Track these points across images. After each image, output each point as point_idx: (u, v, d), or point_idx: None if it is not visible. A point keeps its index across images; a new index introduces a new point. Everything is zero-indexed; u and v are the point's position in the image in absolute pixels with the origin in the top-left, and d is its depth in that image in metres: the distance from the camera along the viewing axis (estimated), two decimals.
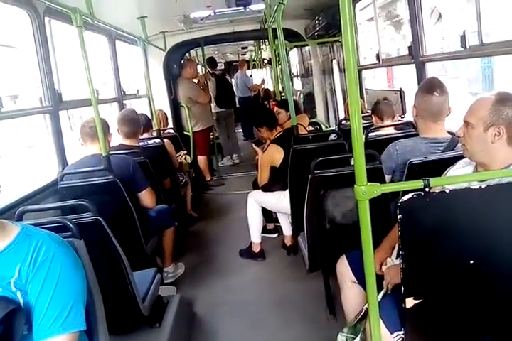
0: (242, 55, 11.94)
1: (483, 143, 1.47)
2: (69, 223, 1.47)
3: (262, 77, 11.05)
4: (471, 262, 1.25)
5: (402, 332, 1.40)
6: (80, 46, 2.45)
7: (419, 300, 1.29)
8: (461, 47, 2.36)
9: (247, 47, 10.15)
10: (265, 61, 11.57)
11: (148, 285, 2.12)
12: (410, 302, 1.29)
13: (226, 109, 7.00)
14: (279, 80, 6.08)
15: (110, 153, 2.58)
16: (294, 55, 8.20)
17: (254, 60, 11.06)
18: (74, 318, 1.16)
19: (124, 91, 4.41)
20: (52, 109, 2.82)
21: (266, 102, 7.93)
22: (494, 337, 1.32)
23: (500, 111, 1.42)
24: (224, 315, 2.66)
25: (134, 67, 5.17)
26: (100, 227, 1.76)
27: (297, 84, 8.35)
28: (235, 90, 8.54)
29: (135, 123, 3.31)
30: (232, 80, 9.49)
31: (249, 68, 12.33)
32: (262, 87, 10.09)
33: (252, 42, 8.64)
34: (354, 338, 1.61)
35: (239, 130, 8.89)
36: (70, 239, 1.40)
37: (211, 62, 6.86)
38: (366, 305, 1.44)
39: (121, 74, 4.38)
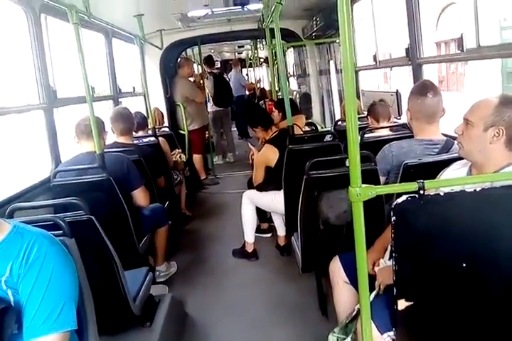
0: (238, 53, 11.93)
1: (481, 143, 1.47)
2: (60, 221, 1.46)
3: (258, 76, 11.05)
4: (464, 265, 1.25)
5: (392, 333, 1.40)
6: (76, 43, 2.44)
7: (411, 303, 1.28)
8: (458, 49, 2.37)
9: (243, 46, 10.14)
10: (261, 60, 11.56)
11: (140, 285, 2.11)
12: (402, 304, 1.28)
13: (224, 108, 6.97)
14: (276, 80, 6.07)
15: (104, 151, 2.57)
16: (290, 55, 8.20)
17: (250, 59, 11.04)
18: (65, 318, 1.15)
19: (119, 89, 4.39)
20: (46, 106, 2.80)
21: (262, 102, 7.94)
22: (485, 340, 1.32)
23: (502, 113, 1.43)
24: (216, 315, 2.65)
25: (130, 66, 5.15)
26: (92, 226, 1.75)
27: (293, 84, 8.34)
28: None
29: (129, 120, 3.30)
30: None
31: (245, 67, 12.33)
32: (258, 86, 10.10)
33: (249, 41, 8.63)
34: (345, 338, 1.61)
35: (233, 129, 8.87)
36: (61, 238, 1.39)
37: (209, 61, 6.84)
38: (358, 306, 1.44)
39: (117, 72, 4.36)
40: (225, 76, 7.85)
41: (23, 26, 2.71)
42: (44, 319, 1.12)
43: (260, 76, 11.81)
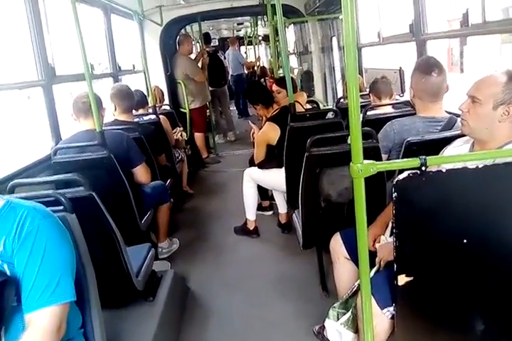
0: (237, 31, 11.69)
1: (489, 121, 1.45)
2: (61, 197, 1.45)
3: (257, 54, 10.86)
4: (464, 241, 1.25)
5: (392, 309, 1.41)
6: (74, 19, 2.39)
7: (411, 278, 1.29)
8: (464, 25, 2.32)
9: (242, 24, 9.93)
10: (260, 38, 11.33)
11: (142, 260, 2.13)
12: (402, 279, 1.29)
13: (217, 88, 6.84)
14: (276, 57, 5.99)
15: (104, 128, 2.55)
16: (290, 32, 8.06)
17: (249, 37, 10.84)
18: (63, 289, 1.17)
19: (119, 67, 4.34)
20: (44, 83, 2.77)
21: (262, 80, 7.83)
22: (484, 316, 1.34)
23: None
24: (217, 291, 2.68)
25: (130, 43, 5.07)
26: (93, 202, 1.75)
27: (293, 61, 8.22)
28: (228, 68, 8.41)
29: (133, 98, 3.29)
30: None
31: (243, 45, 12.12)
32: (258, 64, 9.95)
33: (248, 18, 8.46)
34: (345, 313, 1.63)
35: (233, 108, 8.79)
36: (62, 214, 1.39)
37: (205, 38, 6.71)
38: (358, 282, 1.45)
39: (116, 49, 4.30)
40: (219, 54, 7.70)
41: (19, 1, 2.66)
42: (41, 291, 1.14)
43: (259, 54, 11.57)
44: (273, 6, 3.83)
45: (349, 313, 1.61)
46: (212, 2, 5.36)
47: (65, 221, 1.33)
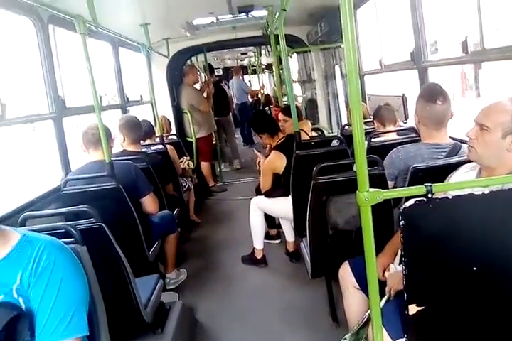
0: (241, 60, 11.95)
1: (497, 149, 1.46)
2: (72, 229, 1.47)
3: (261, 83, 11.05)
4: (474, 269, 1.24)
5: (404, 340, 1.38)
6: (84, 53, 2.47)
7: (422, 307, 1.28)
8: (463, 52, 2.37)
9: (246, 53, 10.16)
10: (263, 66, 11.57)
11: (151, 292, 2.12)
12: (413, 309, 1.28)
13: (221, 117, 6.93)
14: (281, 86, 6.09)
15: (113, 159, 2.59)
16: (293, 61, 8.22)
17: (253, 66, 11.05)
18: (76, 324, 1.16)
19: (127, 98, 4.43)
20: (55, 116, 2.84)
21: (267, 108, 7.92)
22: None
23: None
24: (226, 322, 2.65)
25: (138, 74, 5.19)
26: (103, 233, 1.77)
27: (296, 89, 8.34)
28: (232, 97, 8.53)
29: (140, 128, 3.35)
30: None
31: (247, 74, 12.36)
32: (262, 92, 10.11)
33: (252, 48, 8.66)
34: None
35: (238, 135, 8.88)
36: (73, 246, 1.40)
37: (209, 69, 6.87)
38: (369, 312, 1.43)
39: (124, 81, 4.40)
40: (222, 84, 7.84)
41: (32, 37, 2.75)
42: (55, 326, 1.13)
43: (263, 82, 11.77)
44: (276, 37, 3.94)
45: None
46: (216, 34, 5.50)
47: (76, 253, 1.34)
